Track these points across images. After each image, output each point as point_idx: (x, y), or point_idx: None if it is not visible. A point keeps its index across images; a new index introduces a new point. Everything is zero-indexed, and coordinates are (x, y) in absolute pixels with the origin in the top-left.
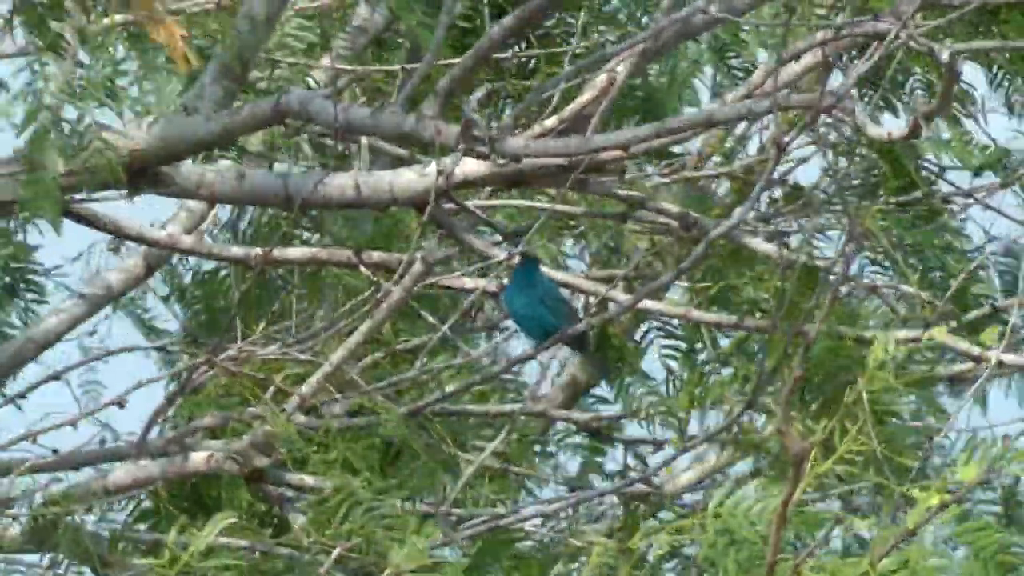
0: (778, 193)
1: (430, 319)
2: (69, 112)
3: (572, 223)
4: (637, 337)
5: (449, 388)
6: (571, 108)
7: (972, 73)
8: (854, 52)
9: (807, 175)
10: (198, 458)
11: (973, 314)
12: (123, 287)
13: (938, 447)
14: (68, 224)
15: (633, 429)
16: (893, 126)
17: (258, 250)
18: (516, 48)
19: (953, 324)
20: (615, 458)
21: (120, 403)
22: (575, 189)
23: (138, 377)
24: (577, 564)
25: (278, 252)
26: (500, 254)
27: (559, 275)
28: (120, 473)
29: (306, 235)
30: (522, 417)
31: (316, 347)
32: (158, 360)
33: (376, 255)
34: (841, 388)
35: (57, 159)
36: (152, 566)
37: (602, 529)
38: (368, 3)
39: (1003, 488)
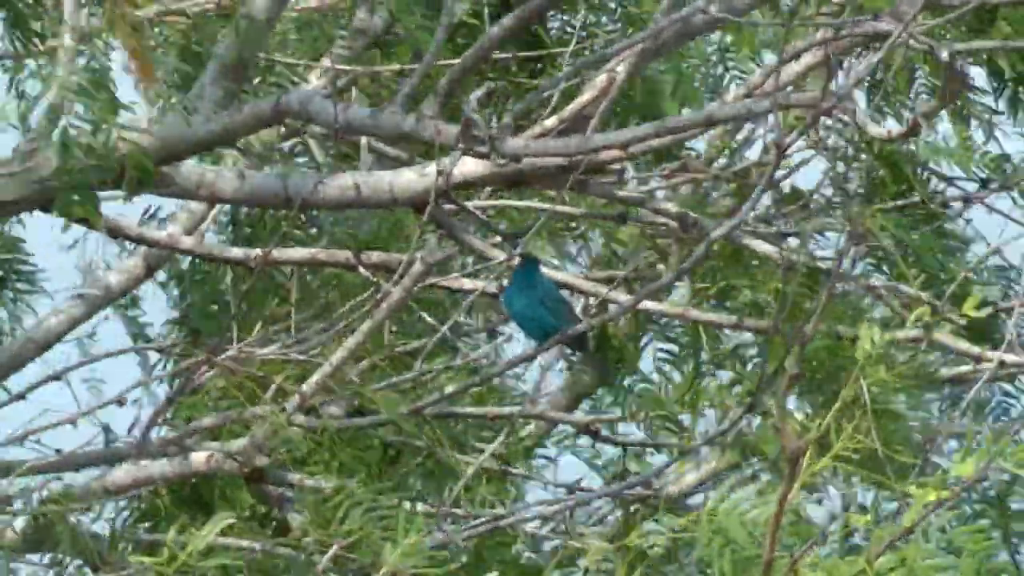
0: (778, 195)
1: (429, 319)
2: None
3: (572, 224)
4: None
5: (448, 389)
6: (571, 108)
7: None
8: (860, 51)
9: (808, 177)
10: (198, 458)
11: (975, 314)
12: (123, 288)
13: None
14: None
15: (630, 431)
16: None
17: (258, 251)
18: (516, 48)
19: (953, 325)
20: (614, 460)
21: (120, 401)
22: (575, 190)
23: (137, 376)
24: (576, 567)
25: (278, 253)
26: (500, 255)
27: (559, 276)
28: (120, 473)
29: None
30: (521, 419)
31: (315, 348)
32: (143, 363)
33: (376, 255)
34: (839, 388)
35: (53, 157)
36: (151, 564)
37: (602, 532)
38: (367, 5)
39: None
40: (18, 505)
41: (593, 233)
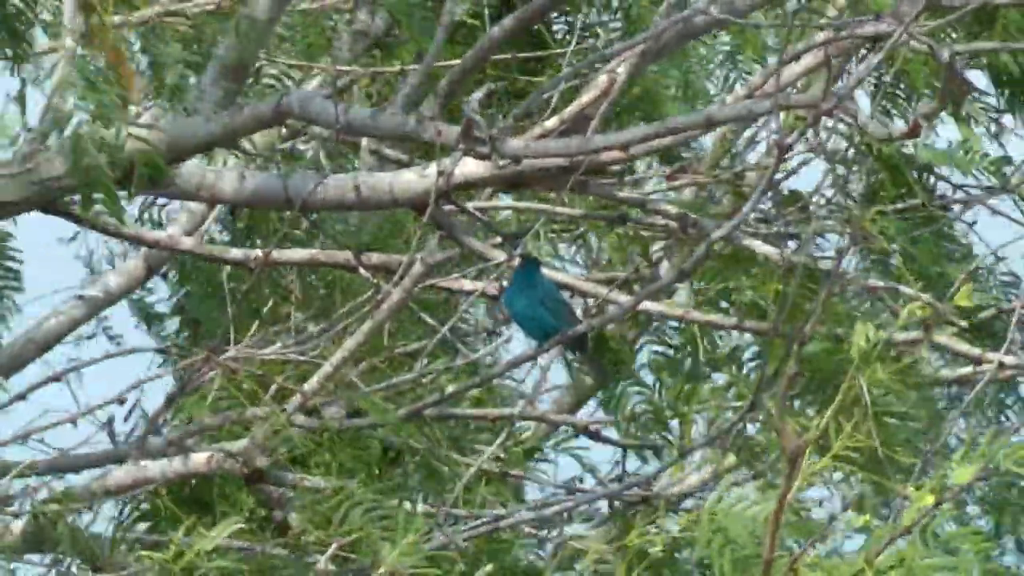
0: (778, 197)
1: (429, 320)
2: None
3: (571, 225)
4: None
5: (449, 390)
6: (571, 109)
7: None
8: (865, 52)
9: (808, 179)
10: (199, 459)
11: (980, 316)
12: (123, 289)
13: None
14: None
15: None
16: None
17: (258, 252)
18: (517, 48)
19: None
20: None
21: (120, 400)
22: (575, 191)
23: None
24: (574, 569)
25: (277, 254)
26: (500, 256)
27: (559, 277)
28: (120, 473)
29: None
30: (520, 421)
31: (316, 349)
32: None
33: (376, 257)
34: (838, 390)
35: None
36: (158, 561)
37: (600, 535)
38: (367, 7)
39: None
40: (19, 505)
41: (591, 234)
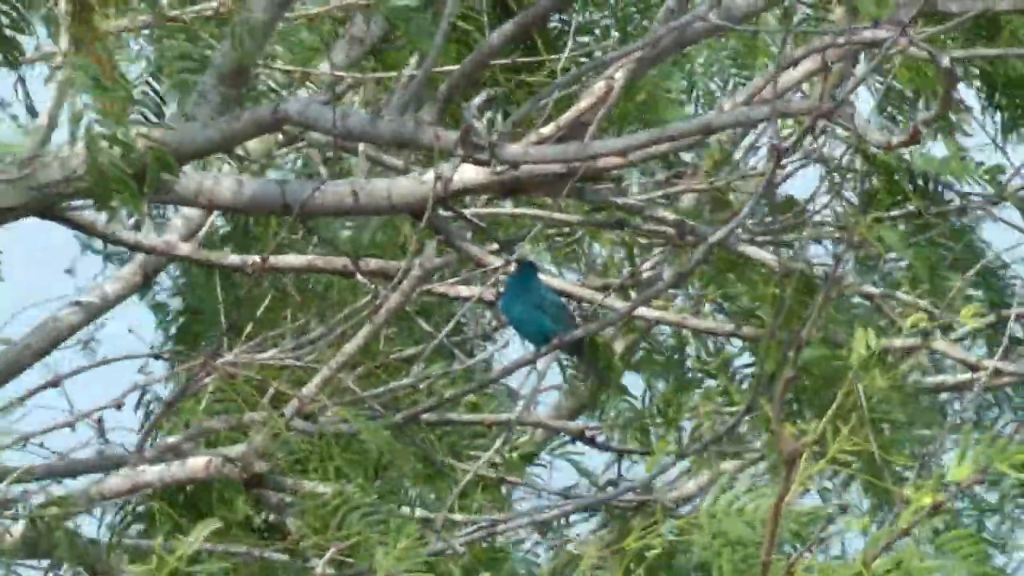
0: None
1: (424, 326)
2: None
3: (566, 230)
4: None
5: (446, 395)
6: (569, 115)
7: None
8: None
9: (806, 186)
10: (196, 463)
11: (981, 321)
12: (120, 295)
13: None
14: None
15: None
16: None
17: (255, 257)
18: (517, 52)
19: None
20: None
21: (118, 405)
22: (572, 197)
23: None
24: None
25: (275, 259)
26: (497, 261)
27: (555, 283)
28: (118, 479)
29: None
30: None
31: (312, 353)
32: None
33: (373, 263)
34: (835, 396)
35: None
36: (143, 573)
37: (597, 539)
38: (364, 13)
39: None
40: (17, 510)
41: (587, 240)
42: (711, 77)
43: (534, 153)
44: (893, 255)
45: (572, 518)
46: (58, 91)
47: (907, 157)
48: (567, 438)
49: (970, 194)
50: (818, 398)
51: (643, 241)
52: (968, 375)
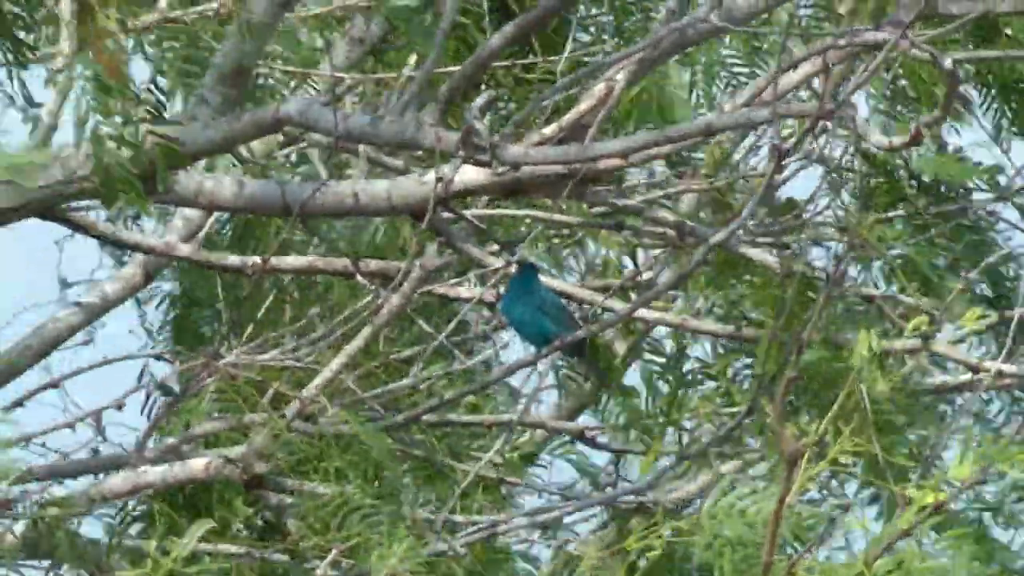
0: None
1: (425, 327)
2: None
3: (565, 232)
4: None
5: (447, 396)
6: (569, 116)
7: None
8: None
9: (806, 185)
10: (196, 464)
11: (981, 322)
12: (120, 295)
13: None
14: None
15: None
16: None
17: (256, 259)
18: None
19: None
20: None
21: (119, 405)
22: (572, 198)
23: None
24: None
25: (275, 260)
26: (497, 263)
27: (555, 283)
28: (118, 480)
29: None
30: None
31: (313, 355)
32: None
33: (374, 264)
34: (835, 399)
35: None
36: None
37: (597, 540)
38: (364, 14)
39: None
40: (18, 510)
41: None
42: (714, 77)
43: (535, 154)
44: (894, 251)
45: (572, 518)
46: (59, 92)
47: (905, 156)
48: (567, 438)
49: (974, 189)
50: (818, 400)
51: (644, 242)
52: (969, 376)
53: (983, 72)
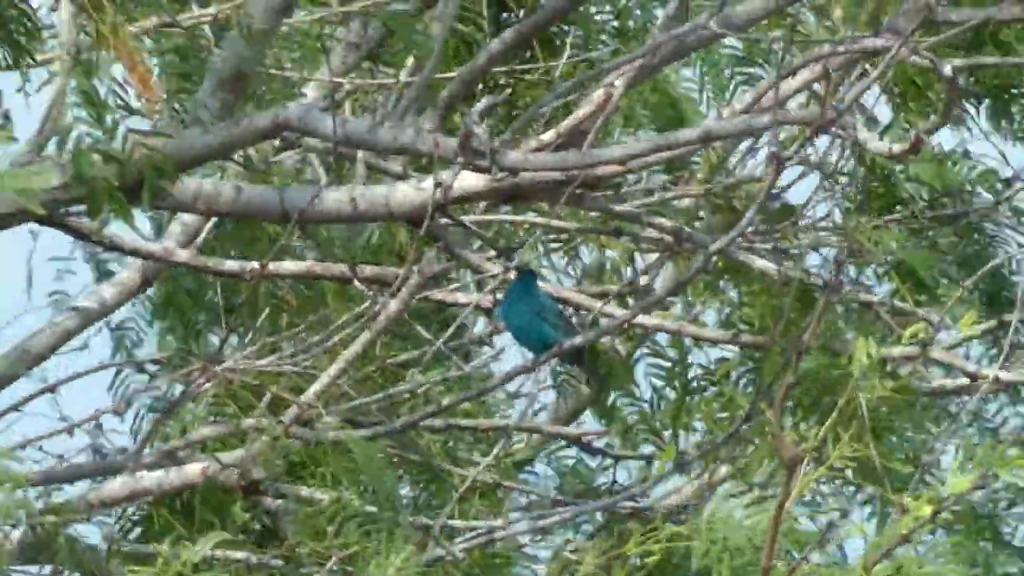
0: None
1: (424, 334)
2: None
3: (562, 236)
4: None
5: (445, 401)
6: (568, 122)
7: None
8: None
9: (804, 192)
10: (193, 470)
11: (979, 328)
12: (117, 301)
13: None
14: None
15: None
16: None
17: (254, 264)
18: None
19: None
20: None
21: (117, 411)
22: (571, 204)
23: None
24: None
25: (273, 266)
26: (495, 269)
27: (553, 290)
28: (116, 485)
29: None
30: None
31: (309, 360)
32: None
33: (370, 269)
34: (834, 405)
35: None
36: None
37: (594, 545)
38: (361, 19)
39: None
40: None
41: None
42: (715, 78)
43: (535, 160)
44: (891, 256)
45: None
46: (52, 99)
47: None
48: (564, 443)
49: (971, 192)
50: (816, 407)
51: (643, 247)
52: (967, 381)
53: (980, 79)
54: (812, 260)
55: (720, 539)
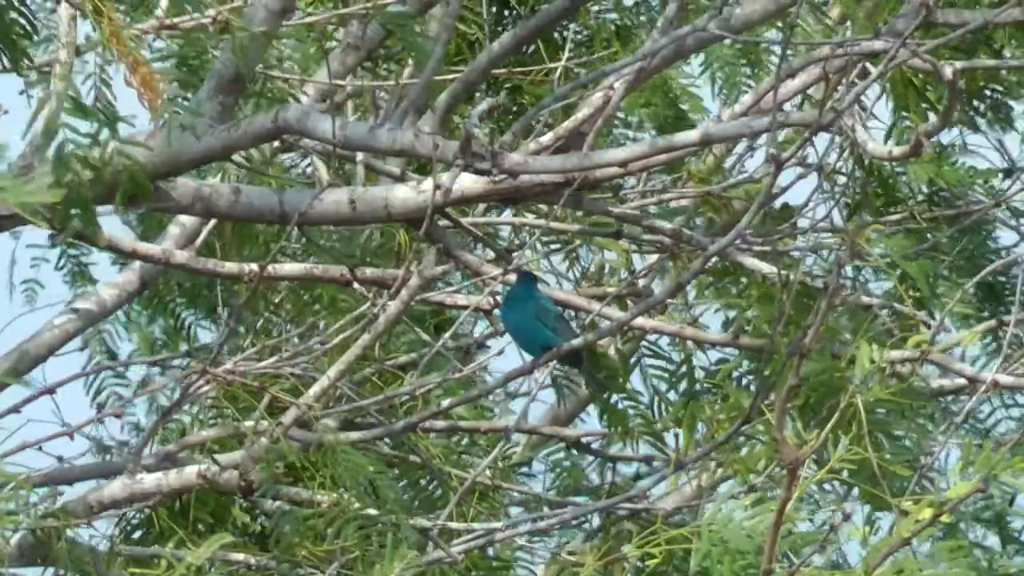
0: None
1: (424, 336)
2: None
3: (562, 238)
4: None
5: (444, 403)
6: (567, 125)
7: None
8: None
9: (801, 189)
10: (192, 471)
11: (978, 328)
12: (116, 303)
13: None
14: None
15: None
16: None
17: (253, 266)
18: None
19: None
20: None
21: (117, 414)
22: (570, 206)
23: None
24: None
25: (272, 268)
26: (494, 271)
27: (551, 292)
28: (116, 487)
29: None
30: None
31: (309, 362)
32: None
33: (370, 271)
34: (835, 408)
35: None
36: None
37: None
38: (360, 20)
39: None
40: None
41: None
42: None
43: (535, 163)
44: (888, 259)
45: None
46: (39, 103)
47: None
48: (561, 444)
49: (969, 192)
50: (816, 411)
51: (642, 249)
52: (965, 383)
53: (978, 81)
54: (810, 262)
55: (720, 541)
